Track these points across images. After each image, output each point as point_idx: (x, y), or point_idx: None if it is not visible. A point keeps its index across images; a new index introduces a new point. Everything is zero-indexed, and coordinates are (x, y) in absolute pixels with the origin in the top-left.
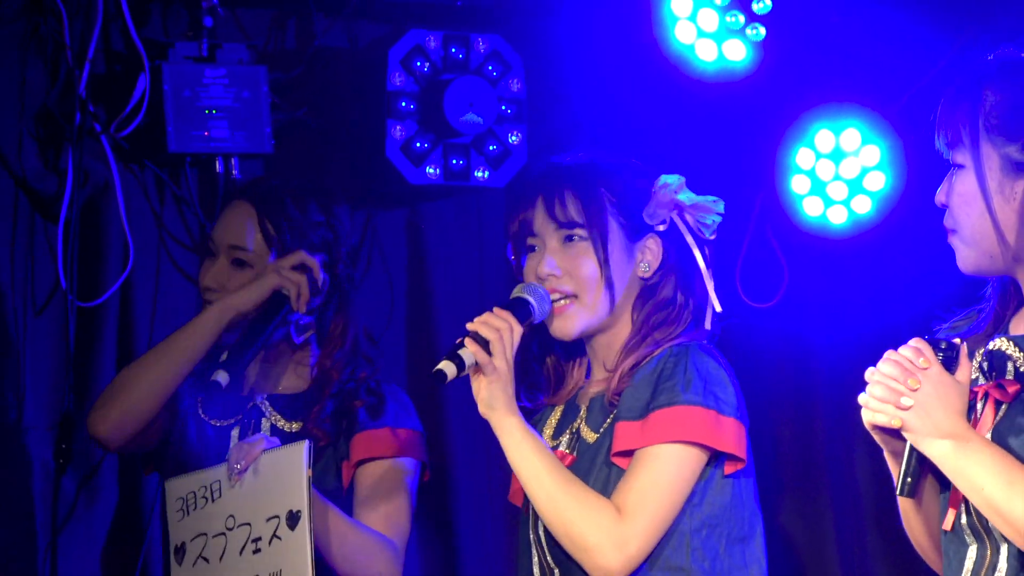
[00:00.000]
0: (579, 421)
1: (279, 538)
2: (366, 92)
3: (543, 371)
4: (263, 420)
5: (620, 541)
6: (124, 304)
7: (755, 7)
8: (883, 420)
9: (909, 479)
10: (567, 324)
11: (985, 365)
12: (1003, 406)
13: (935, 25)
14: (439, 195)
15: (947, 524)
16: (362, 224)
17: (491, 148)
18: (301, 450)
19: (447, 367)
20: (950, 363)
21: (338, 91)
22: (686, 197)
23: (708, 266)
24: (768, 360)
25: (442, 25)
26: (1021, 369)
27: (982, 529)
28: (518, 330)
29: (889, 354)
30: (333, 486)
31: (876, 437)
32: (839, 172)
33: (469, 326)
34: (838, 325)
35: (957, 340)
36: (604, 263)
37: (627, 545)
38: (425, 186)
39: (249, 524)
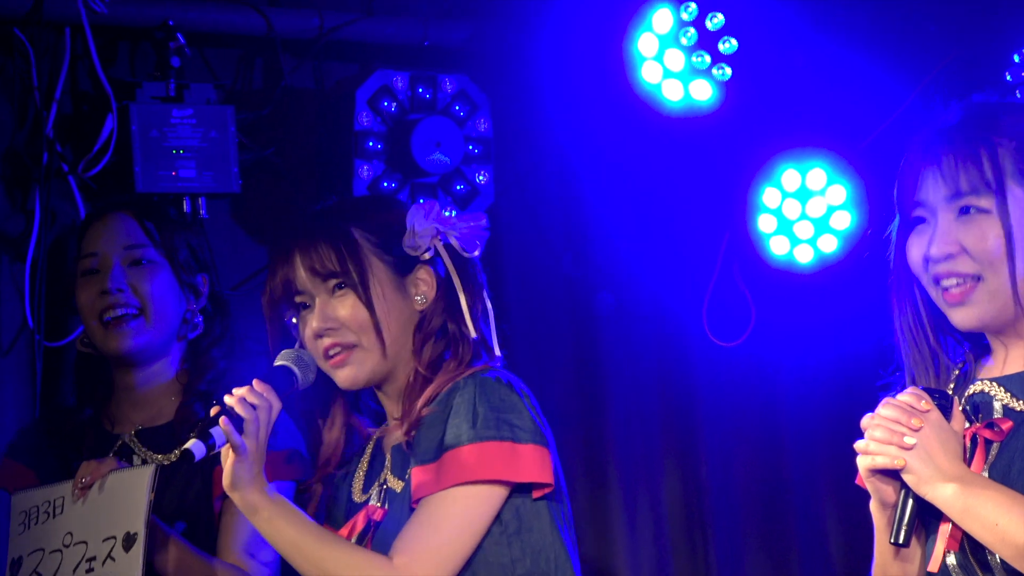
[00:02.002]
0: (385, 471)
1: (113, 559)
2: (333, 132)
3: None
4: (133, 457)
5: None
6: None
7: (721, 47)
8: (884, 462)
9: (905, 526)
10: (351, 373)
11: (968, 409)
12: (994, 445)
13: (898, 69)
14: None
15: (934, 566)
16: None
17: (458, 187)
18: (147, 473)
19: (196, 448)
20: (945, 412)
21: (305, 131)
22: (444, 220)
23: (481, 286)
24: (734, 398)
25: (409, 65)
26: (1010, 406)
27: (977, 566)
28: (277, 406)
29: (888, 400)
30: (207, 516)
31: (870, 486)
32: (805, 211)
33: (226, 399)
34: (804, 363)
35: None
36: (368, 306)
37: None
38: None
39: (86, 542)
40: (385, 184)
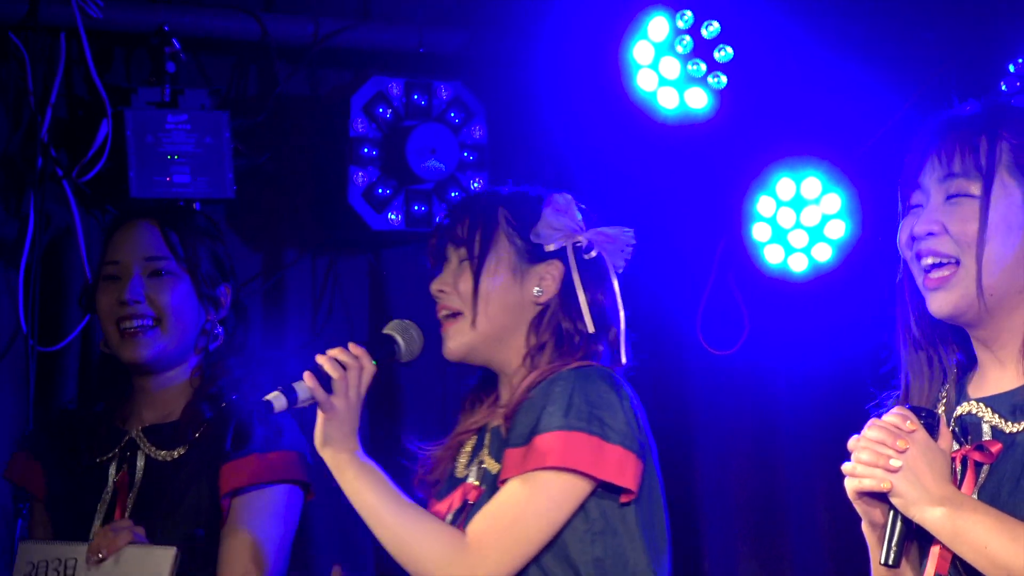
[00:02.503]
0: (484, 451)
1: None
2: (328, 138)
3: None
4: (138, 452)
5: (464, 572)
6: (85, 349)
7: (716, 55)
8: (870, 484)
9: (894, 548)
10: (449, 343)
11: (957, 430)
12: (984, 467)
13: (893, 78)
14: (401, 241)
15: None
16: (324, 270)
17: (453, 194)
18: (169, 556)
19: (276, 399)
20: (931, 430)
21: (300, 137)
22: (582, 222)
23: (612, 293)
24: (728, 406)
25: (404, 72)
26: (999, 428)
27: None
28: (370, 368)
29: (873, 421)
30: (207, 514)
31: (858, 507)
32: (800, 220)
33: (317, 357)
34: (798, 372)
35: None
36: (475, 275)
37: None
38: (387, 232)
39: None
40: (380, 191)
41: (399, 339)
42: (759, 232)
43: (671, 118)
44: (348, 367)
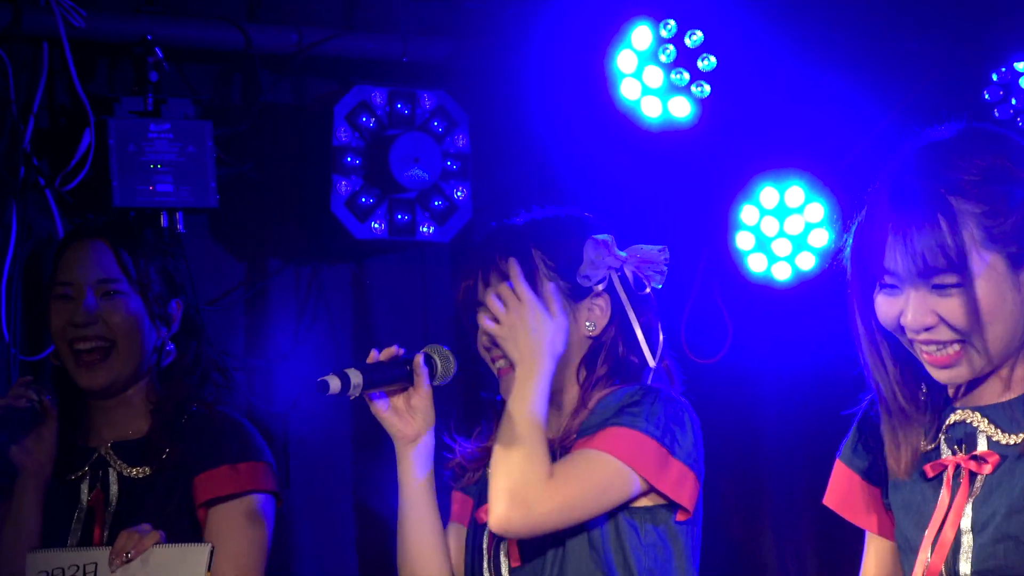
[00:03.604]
0: None
1: None
2: (312, 147)
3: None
4: (109, 470)
5: (531, 499)
6: None
7: (700, 65)
8: None
9: None
10: (509, 386)
11: (950, 438)
12: (978, 478)
13: (877, 86)
14: (384, 250)
15: None
16: (307, 279)
17: (436, 203)
18: (205, 553)
19: (332, 380)
20: None
21: (284, 146)
22: (622, 252)
23: (655, 318)
24: (711, 415)
25: (388, 81)
26: (995, 439)
27: None
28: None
29: None
30: (186, 527)
31: None
32: (784, 229)
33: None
34: (782, 381)
35: None
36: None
37: (534, 506)
38: (370, 241)
39: None
40: (363, 200)
41: (436, 358)
42: (743, 241)
43: (655, 127)
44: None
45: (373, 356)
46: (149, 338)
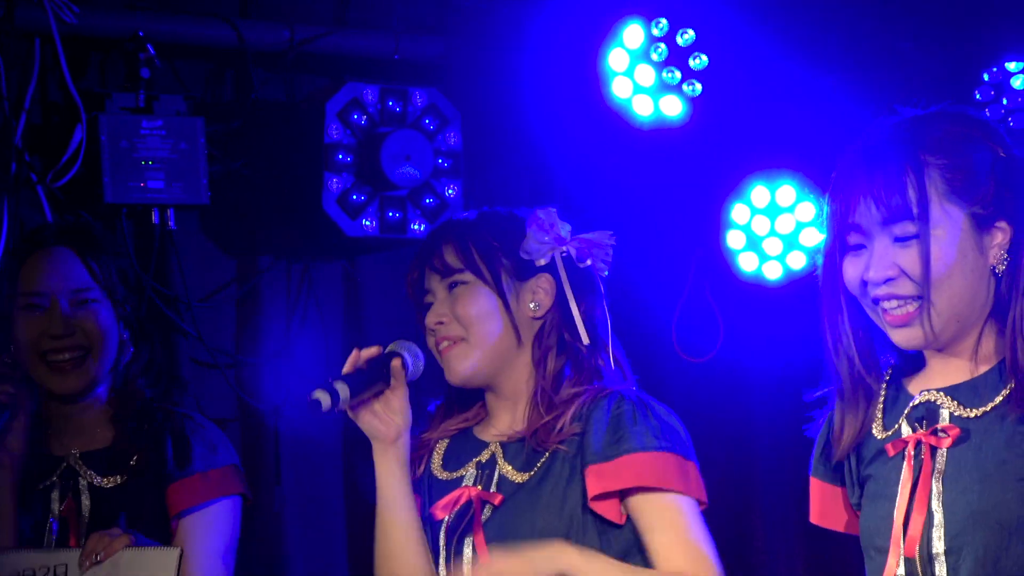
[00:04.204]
0: (498, 462)
1: None
2: (303, 144)
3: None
4: (79, 480)
5: None
6: None
7: (692, 63)
8: None
9: None
10: (457, 364)
11: (913, 417)
12: (939, 452)
13: (868, 85)
14: (375, 247)
15: None
16: (299, 275)
17: (427, 201)
18: (174, 556)
19: (322, 397)
20: None
21: (275, 143)
22: (567, 232)
23: (600, 300)
24: (703, 414)
25: (379, 78)
26: (956, 414)
27: None
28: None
29: None
30: (159, 534)
31: None
32: (775, 228)
33: (365, 351)
34: (773, 379)
35: None
36: (478, 299)
37: None
38: (361, 238)
39: None
40: (354, 197)
41: (407, 356)
42: (734, 240)
43: (646, 125)
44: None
45: (352, 361)
46: (118, 339)
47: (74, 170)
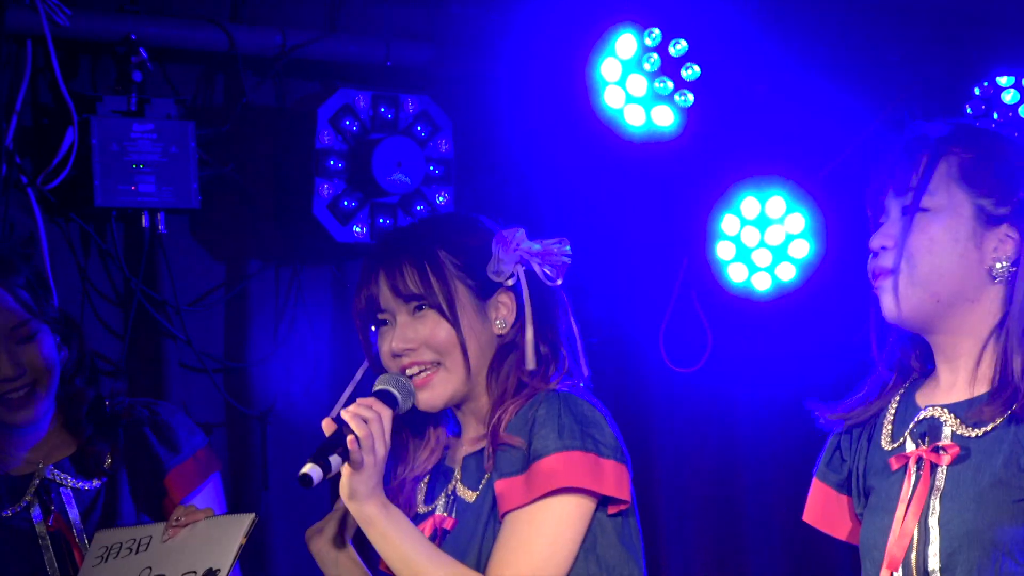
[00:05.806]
0: (454, 482)
1: None
2: (294, 150)
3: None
4: (60, 488)
5: None
6: None
7: (684, 74)
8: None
9: None
10: (433, 394)
11: (917, 432)
12: (939, 470)
13: (858, 98)
14: (365, 253)
15: None
16: (288, 281)
17: (418, 208)
18: (246, 521)
19: (314, 472)
20: None
21: (266, 148)
22: (528, 247)
23: (563, 312)
24: (690, 424)
25: (371, 85)
26: (958, 432)
27: None
28: (387, 414)
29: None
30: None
31: None
32: (764, 239)
33: (343, 416)
34: (761, 390)
35: None
36: (455, 326)
37: None
38: (351, 244)
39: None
40: (345, 203)
41: (396, 394)
42: (723, 251)
43: (638, 135)
44: (370, 421)
45: (329, 425)
46: (60, 361)
47: (65, 173)
